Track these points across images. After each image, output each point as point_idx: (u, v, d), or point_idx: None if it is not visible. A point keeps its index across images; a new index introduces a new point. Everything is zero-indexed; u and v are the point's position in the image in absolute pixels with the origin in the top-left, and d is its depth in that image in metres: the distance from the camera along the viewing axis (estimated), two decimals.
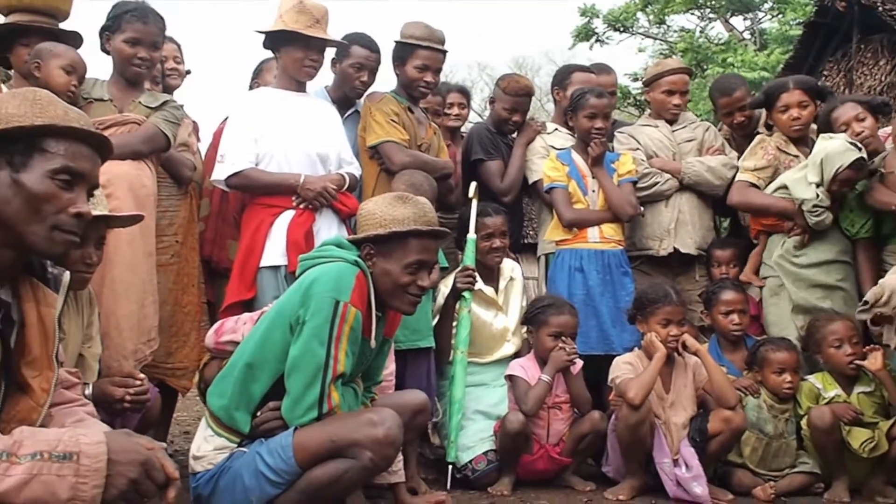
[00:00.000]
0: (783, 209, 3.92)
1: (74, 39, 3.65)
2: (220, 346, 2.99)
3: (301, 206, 3.56)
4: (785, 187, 3.92)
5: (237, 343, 2.81)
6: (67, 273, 2.05)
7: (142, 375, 2.89)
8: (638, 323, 3.70)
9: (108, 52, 3.59)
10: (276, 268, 3.52)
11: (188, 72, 4.45)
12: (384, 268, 2.66)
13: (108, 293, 3.18)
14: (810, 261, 3.89)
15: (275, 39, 3.72)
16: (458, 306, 3.70)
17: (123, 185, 3.23)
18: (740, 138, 4.53)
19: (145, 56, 3.53)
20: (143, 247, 3.33)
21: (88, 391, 2.68)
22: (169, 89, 4.20)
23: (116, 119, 3.42)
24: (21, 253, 1.82)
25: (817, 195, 3.77)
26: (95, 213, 2.67)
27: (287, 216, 3.56)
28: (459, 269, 3.71)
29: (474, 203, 3.83)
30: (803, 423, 3.64)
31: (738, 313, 3.88)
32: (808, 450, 3.67)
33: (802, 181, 3.85)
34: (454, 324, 3.72)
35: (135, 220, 3.00)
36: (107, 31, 3.55)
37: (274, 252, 3.52)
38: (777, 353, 3.66)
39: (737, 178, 4.14)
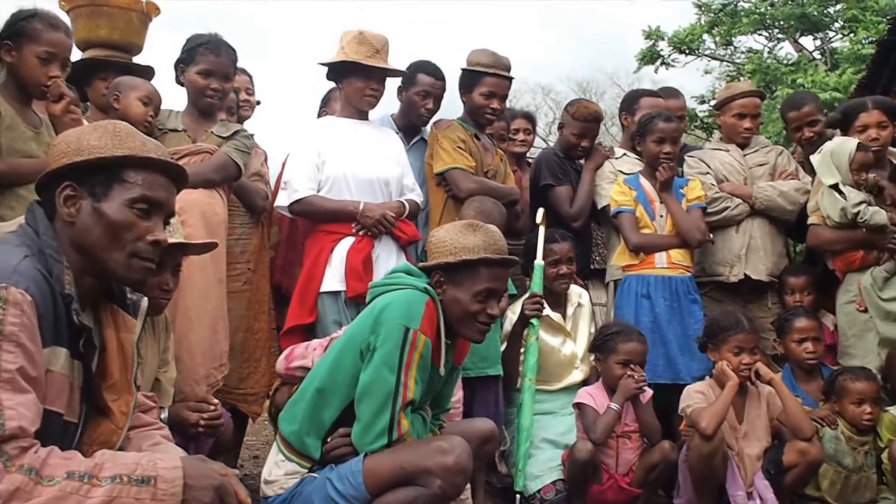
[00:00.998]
0: (850, 237, 3.83)
1: (147, 72, 3.77)
2: (290, 371, 3.03)
3: (360, 233, 3.60)
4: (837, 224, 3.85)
5: (307, 369, 2.84)
6: (146, 299, 2.11)
7: (215, 401, 2.93)
8: (709, 351, 3.63)
9: (182, 84, 3.70)
10: (335, 293, 3.55)
11: (258, 102, 4.54)
12: (454, 296, 2.65)
13: (182, 319, 3.24)
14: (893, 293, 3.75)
15: (337, 71, 3.78)
16: (525, 333, 3.68)
17: (196, 212, 3.31)
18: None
19: (217, 87, 3.62)
20: (215, 273, 3.39)
21: (164, 415, 2.74)
22: (241, 120, 4.30)
23: (190, 149, 3.50)
24: (102, 279, 1.88)
25: (843, 195, 3.75)
26: (172, 240, 2.74)
27: (347, 242, 3.59)
28: (527, 295, 3.69)
29: (542, 229, 3.81)
30: (884, 456, 3.51)
31: (812, 341, 3.78)
32: (889, 484, 3.54)
33: (827, 196, 3.84)
34: (522, 351, 3.69)
35: (209, 247, 3.06)
36: (181, 64, 3.65)
37: (333, 278, 3.56)
38: (856, 383, 3.55)
39: (809, 221, 4.04)
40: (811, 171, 4.35)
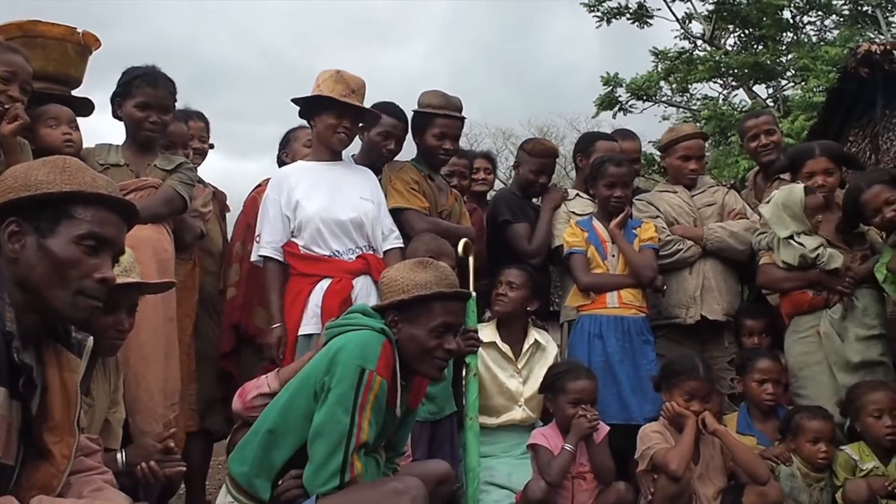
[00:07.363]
0: (802, 277, 3.88)
1: (86, 107, 3.67)
2: (248, 407, 2.99)
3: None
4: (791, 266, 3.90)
5: (265, 394, 2.82)
6: (91, 338, 2.06)
7: (177, 454, 2.82)
8: (662, 392, 3.63)
9: (120, 119, 3.60)
10: (310, 336, 3.49)
11: (211, 146, 4.46)
12: (410, 333, 2.65)
13: (137, 358, 3.17)
14: (849, 340, 3.79)
15: (310, 107, 3.77)
16: (464, 371, 3.63)
17: (148, 249, 3.23)
18: (762, 182, 4.54)
19: (156, 120, 3.54)
20: (165, 312, 3.33)
21: (120, 456, 2.67)
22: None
23: (136, 184, 3.43)
24: (45, 317, 1.84)
25: (799, 243, 3.81)
26: (129, 280, 2.69)
27: (324, 284, 3.55)
28: (461, 331, 3.42)
29: (471, 260, 3.77)
30: (838, 496, 3.52)
31: (773, 383, 3.79)
32: None
33: (784, 247, 3.88)
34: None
35: (165, 287, 3.02)
36: (118, 98, 3.56)
37: (310, 320, 3.52)
38: (812, 422, 3.56)
39: (759, 262, 4.09)
40: (757, 196, 4.45)
